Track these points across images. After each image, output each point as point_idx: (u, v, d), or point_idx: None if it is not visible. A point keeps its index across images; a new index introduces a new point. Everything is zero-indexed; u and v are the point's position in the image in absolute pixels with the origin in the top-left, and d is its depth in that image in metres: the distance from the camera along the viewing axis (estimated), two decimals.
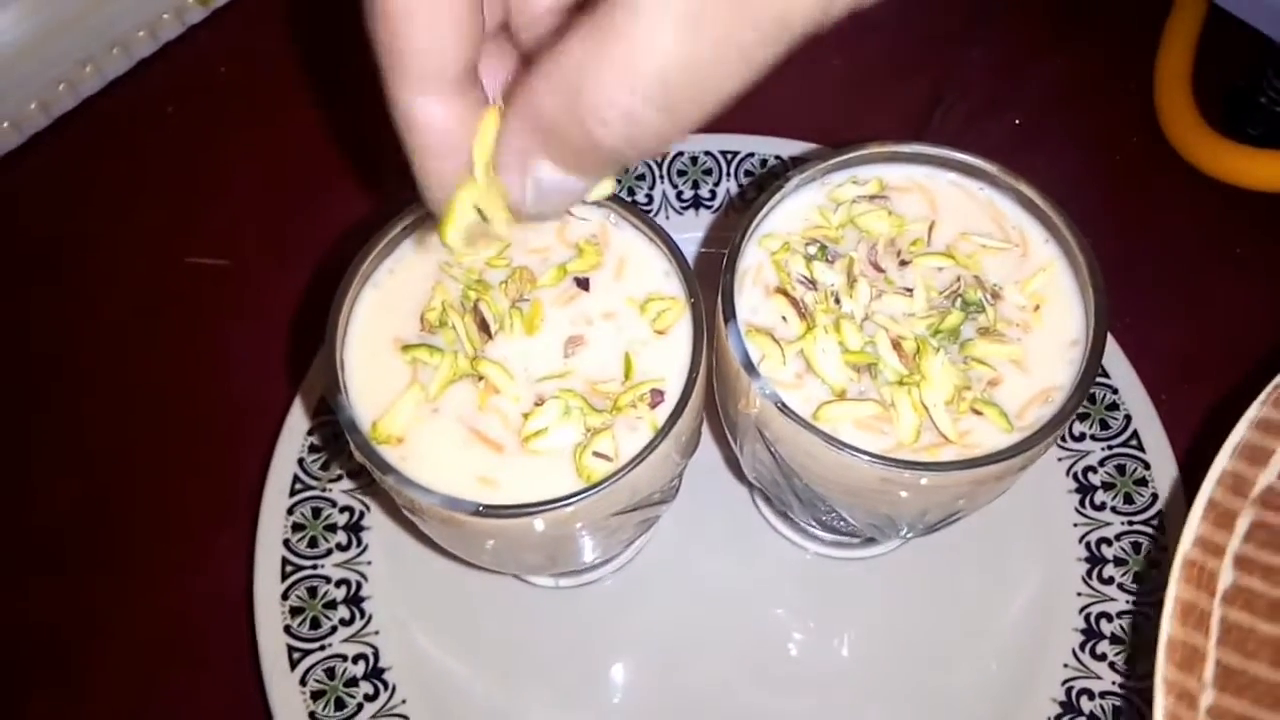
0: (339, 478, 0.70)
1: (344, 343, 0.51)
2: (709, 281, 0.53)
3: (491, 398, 0.50)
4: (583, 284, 0.53)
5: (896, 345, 0.50)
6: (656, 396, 0.50)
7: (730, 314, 0.51)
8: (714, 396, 0.58)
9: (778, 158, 0.81)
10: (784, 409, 0.48)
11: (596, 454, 0.48)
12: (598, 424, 0.49)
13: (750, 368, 0.49)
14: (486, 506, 0.46)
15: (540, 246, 0.55)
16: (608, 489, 0.47)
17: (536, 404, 0.50)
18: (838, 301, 0.52)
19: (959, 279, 0.53)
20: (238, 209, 0.86)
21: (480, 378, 0.50)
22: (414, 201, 0.54)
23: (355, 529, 0.69)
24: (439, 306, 0.51)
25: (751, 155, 0.81)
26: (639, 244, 0.55)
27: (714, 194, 0.81)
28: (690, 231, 0.80)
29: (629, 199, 0.80)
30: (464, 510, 0.46)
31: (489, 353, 0.50)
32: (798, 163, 0.55)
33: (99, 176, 0.88)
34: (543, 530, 0.48)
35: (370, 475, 0.68)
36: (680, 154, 0.81)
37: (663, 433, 0.48)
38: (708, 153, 0.81)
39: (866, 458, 0.47)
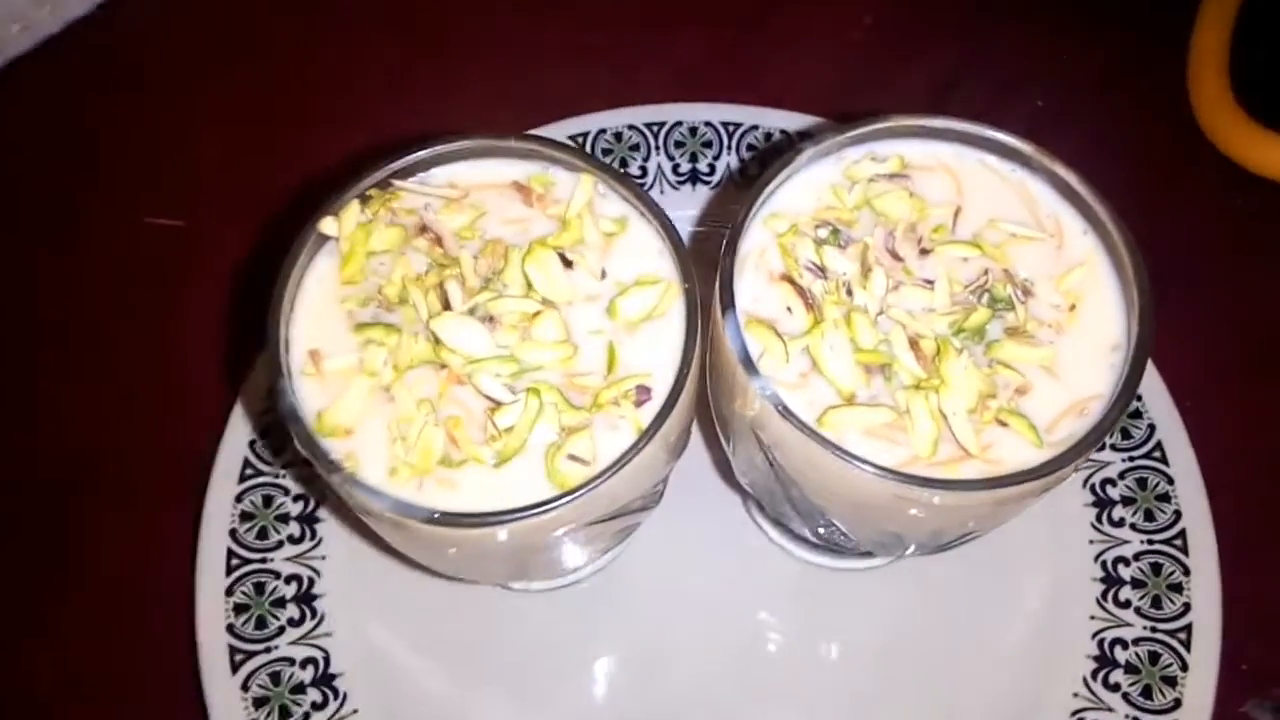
0: (294, 463, 0.64)
1: (290, 319, 0.45)
2: (705, 264, 0.48)
3: (454, 388, 0.44)
4: (565, 262, 0.47)
5: (914, 344, 0.45)
6: (643, 394, 0.44)
7: (729, 303, 0.45)
8: (706, 389, 0.53)
9: (783, 132, 0.75)
10: (785, 413, 0.43)
11: (571, 457, 0.42)
12: (574, 423, 0.43)
13: (749, 364, 0.44)
14: (443, 514, 0.41)
15: (518, 217, 0.49)
16: (583, 497, 0.41)
17: (506, 398, 0.44)
18: (849, 293, 0.46)
19: (986, 272, 0.47)
20: (201, 167, 0.79)
21: (442, 365, 0.44)
22: (385, 162, 0.49)
23: (310, 520, 0.63)
24: (399, 281, 0.45)
25: (755, 128, 0.75)
26: (629, 218, 0.49)
27: (713, 169, 0.75)
28: (687, 209, 0.74)
29: (621, 169, 0.74)
30: (417, 517, 0.41)
31: (454, 336, 0.44)
32: (803, 138, 0.50)
33: (58, 124, 0.82)
34: (508, 540, 0.43)
35: None
36: (679, 124, 0.75)
37: (647, 435, 0.43)
38: (708, 123, 0.75)
39: (876, 471, 0.42)
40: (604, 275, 0.47)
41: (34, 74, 0.82)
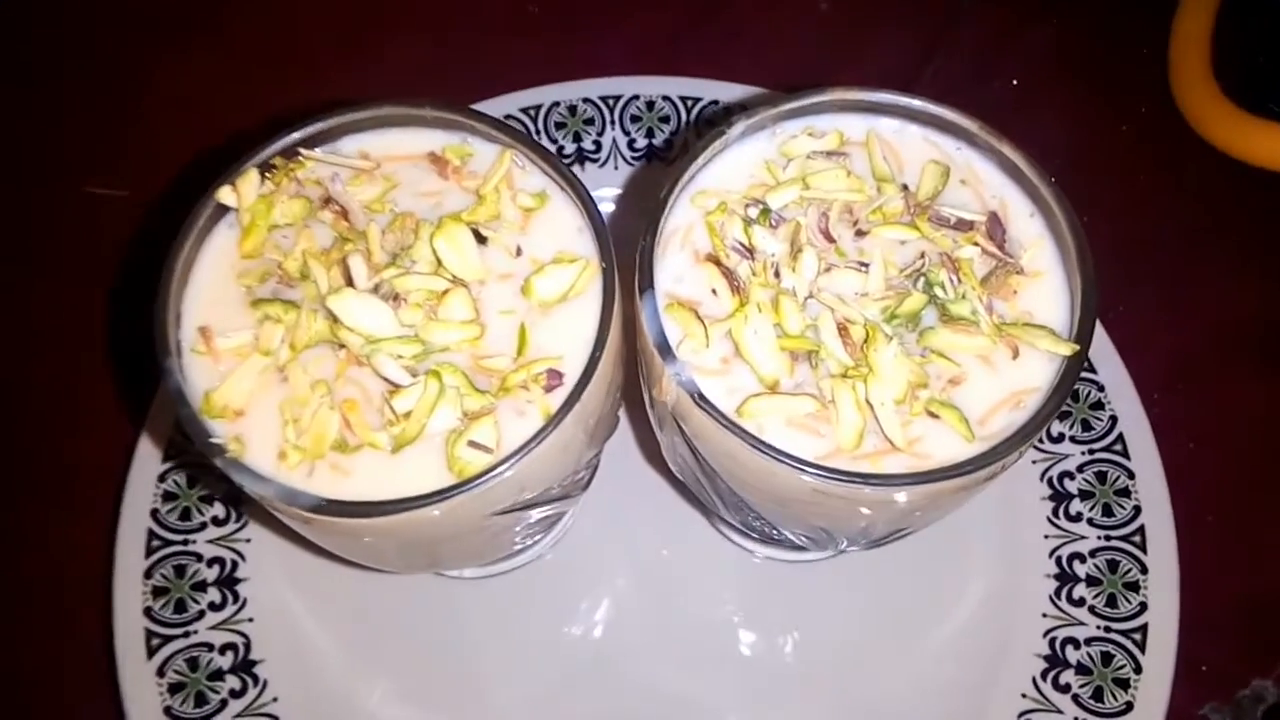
0: None
1: (182, 292, 0.43)
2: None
3: (352, 369, 0.42)
4: (479, 238, 0.44)
5: (843, 330, 0.42)
6: (553, 378, 0.42)
7: (648, 283, 0.43)
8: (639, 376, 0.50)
9: (743, 107, 0.72)
10: (702, 401, 0.40)
11: (472, 443, 0.40)
12: (477, 407, 0.41)
13: (666, 349, 0.41)
14: (330, 502, 0.38)
15: (432, 190, 0.46)
16: (483, 486, 0.39)
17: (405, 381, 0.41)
18: (778, 275, 0.44)
19: (923, 255, 0.44)
20: (147, 139, 0.77)
21: (341, 345, 0.42)
22: (288, 130, 0.46)
23: (235, 500, 0.61)
24: (300, 255, 0.43)
25: (715, 103, 0.73)
26: (549, 193, 0.46)
27: (670, 144, 0.72)
28: (642, 186, 0.71)
29: (574, 144, 0.71)
30: (303, 505, 0.38)
31: (353, 315, 0.41)
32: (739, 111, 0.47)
33: (7, 90, 0.79)
34: (407, 531, 0.41)
35: None
36: (635, 97, 0.73)
37: (555, 421, 0.40)
38: (666, 97, 0.73)
39: (794, 464, 0.39)
40: (519, 252, 0.45)
41: None
